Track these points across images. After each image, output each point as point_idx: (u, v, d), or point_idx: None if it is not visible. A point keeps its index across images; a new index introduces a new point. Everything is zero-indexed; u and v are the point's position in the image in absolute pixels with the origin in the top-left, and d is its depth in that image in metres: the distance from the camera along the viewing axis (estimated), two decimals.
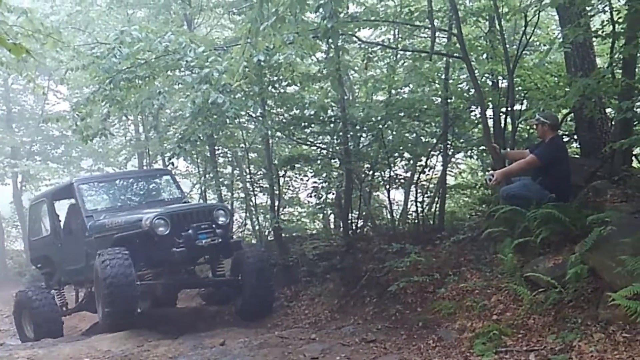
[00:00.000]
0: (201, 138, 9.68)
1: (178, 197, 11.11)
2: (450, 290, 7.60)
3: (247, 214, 13.49)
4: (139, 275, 9.46)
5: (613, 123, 8.47)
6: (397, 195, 11.29)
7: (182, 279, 10.24)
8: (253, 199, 12.96)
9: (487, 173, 7.96)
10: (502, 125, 9.11)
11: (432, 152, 10.18)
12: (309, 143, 11.52)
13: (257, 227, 13.03)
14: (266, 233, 12.61)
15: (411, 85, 9.86)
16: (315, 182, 11.93)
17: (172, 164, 10.86)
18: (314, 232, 13.15)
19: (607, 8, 7.76)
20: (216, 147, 12.59)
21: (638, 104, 6.79)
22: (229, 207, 10.78)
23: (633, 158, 8.62)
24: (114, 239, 9.61)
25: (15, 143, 19.54)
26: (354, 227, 10.62)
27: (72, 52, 11.29)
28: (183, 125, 9.67)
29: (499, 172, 7.52)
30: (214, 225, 9.51)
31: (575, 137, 9.34)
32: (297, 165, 11.50)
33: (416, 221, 9.98)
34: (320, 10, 6.23)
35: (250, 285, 9.65)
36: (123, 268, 8.75)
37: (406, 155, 10.47)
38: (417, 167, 10.48)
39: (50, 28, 8.48)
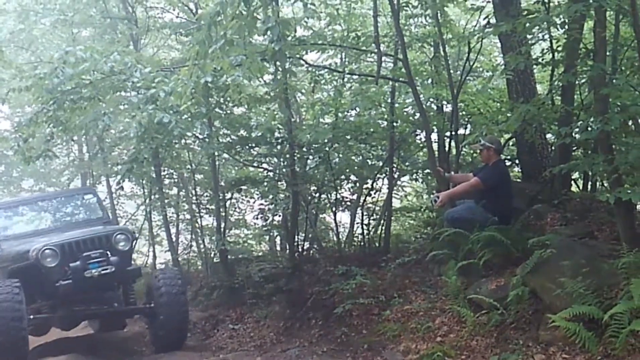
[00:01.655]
0: (147, 159, 9.52)
1: (99, 218, 10.51)
2: (396, 312, 7.64)
3: (193, 236, 13.36)
4: (33, 308, 8.90)
5: (553, 148, 8.71)
6: (344, 217, 11.35)
7: (82, 310, 9.40)
8: (199, 220, 12.84)
9: (432, 195, 8.09)
10: (447, 149, 9.29)
11: (378, 175, 10.27)
12: (255, 165, 11.50)
13: (202, 249, 12.91)
14: (212, 255, 12.50)
15: (358, 109, 9.92)
16: (261, 204, 11.91)
17: (122, 188, 10.56)
18: (260, 254, 13.08)
19: (547, 37, 7.99)
20: (162, 168, 12.43)
21: (576, 130, 6.98)
22: (132, 231, 10.07)
23: (572, 182, 8.87)
24: (8, 270, 9.11)
25: None
26: (300, 249, 10.60)
27: (15, 70, 11.04)
28: (129, 145, 9.49)
29: (443, 194, 7.64)
30: (108, 253, 8.85)
31: (517, 161, 9.57)
32: (243, 187, 11.45)
33: (362, 243, 10.05)
34: (268, 33, 6.28)
35: (162, 312, 9.02)
36: (10, 312, 8.02)
37: (352, 177, 10.55)
38: (363, 190, 10.56)
39: None
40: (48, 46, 14.50)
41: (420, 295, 7.79)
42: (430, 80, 9.74)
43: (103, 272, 8.60)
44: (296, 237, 10.50)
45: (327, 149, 9.91)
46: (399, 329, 7.31)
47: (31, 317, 8.45)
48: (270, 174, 11.20)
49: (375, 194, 10.46)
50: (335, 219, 10.73)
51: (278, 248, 13.38)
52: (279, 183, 11.08)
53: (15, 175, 19.68)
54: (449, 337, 6.75)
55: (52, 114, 8.66)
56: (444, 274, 7.53)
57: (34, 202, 11.24)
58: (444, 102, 9.72)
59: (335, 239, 10.93)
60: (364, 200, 10.41)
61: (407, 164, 10.57)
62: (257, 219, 12.78)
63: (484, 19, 8.52)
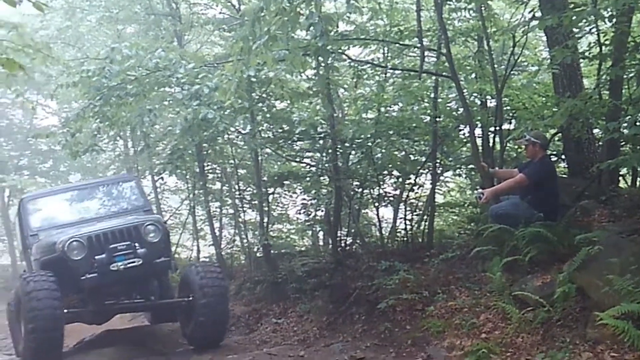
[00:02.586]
0: (191, 154, 9.58)
1: (140, 207, 10.28)
2: (439, 308, 7.60)
3: (236, 230, 13.47)
4: (65, 301, 8.60)
5: (600, 143, 8.55)
6: (386, 213, 11.31)
7: (113, 304, 9.12)
8: (242, 215, 12.93)
9: (476, 191, 8.00)
10: (491, 144, 9.17)
11: (420, 170, 10.21)
12: (297, 160, 11.54)
13: (245, 244, 13.01)
14: (255, 249, 12.60)
15: (400, 104, 9.88)
16: (304, 199, 11.95)
17: (162, 179, 10.54)
18: (303, 249, 13.13)
19: (594, 30, 7.84)
20: (205, 163, 12.56)
21: (624, 125, 6.84)
22: (163, 221, 9.79)
23: (620, 178, 8.70)
24: (40, 262, 9.06)
25: (3, 157, 19.47)
26: (342, 245, 10.62)
27: (62, 67, 11.24)
28: (173, 140, 9.59)
29: (488, 191, 7.57)
30: (136, 245, 8.64)
31: (563, 156, 9.41)
32: (286, 182, 11.50)
33: (405, 239, 9.99)
34: (311, 28, 6.29)
35: (203, 307, 8.72)
36: (49, 301, 7.98)
37: (395, 173, 10.50)
38: (406, 185, 10.51)
39: (40, 43, 8.50)
40: (94, 42, 14.76)
41: (465, 292, 7.73)
42: (473, 75, 9.63)
43: (129, 265, 8.45)
44: (339, 232, 10.53)
45: (369, 144, 9.89)
46: (442, 325, 7.27)
47: (65, 310, 8.34)
48: (313, 169, 11.23)
49: (418, 189, 10.39)
50: (377, 214, 10.71)
51: (321, 243, 13.42)
52: (322, 178, 11.10)
53: (63, 170, 20.17)
54: (493, 333, 6.69)
55: (98, 109, 8.81)
56: (489, 270, 7.45)
57: (74, 190, 11.10)
58: (488, 97, 9.60)
59: (377, 234, 10.89)
60: (407, 196, 10.35)
61: (450, 159, 10.47)
62: (299, 213, 12.83)
63: (529, 12, 8.39)
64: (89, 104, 8.88)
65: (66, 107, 18.35)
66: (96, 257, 8.46)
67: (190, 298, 8.95)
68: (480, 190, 7.75)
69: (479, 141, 9.10)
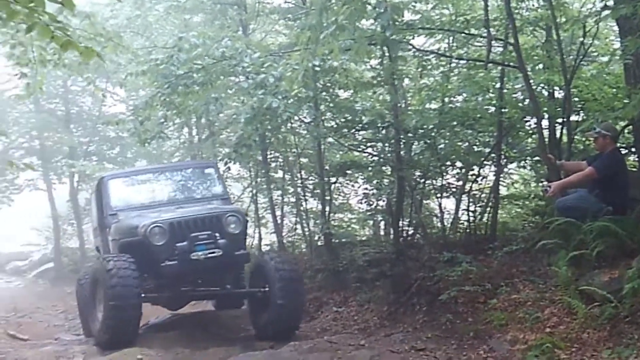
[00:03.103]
0: (255, 142, 9.66)
1: (218, 195, 10.19)
2: (502, 301, 7.53)
3: (298, 219, 13.55)
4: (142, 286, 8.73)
5: None
6: (448, 204, 11.21)
7: (190, 291, 9.31)
8: (304, 203, 13.00)
9: (543, 184, 7.88)
10: (558, 136, 9.00)
11: (484, 162, 10.08)
12: (360, 149, 11.54)
13: (307, 232, 13.09)
14: (316, 238, 12.66)
15: (465, 94, 9.78)
16: (365, 189, 11.95)
17: (229, 168, 10.58)
18: (364, 238, 13.13)
19: None
20: (268, 152, 12.68)
21: None
22: (244, 213, 9.77)
23: None
24: (119, 244, 9.12)
25: (73, 143, 19.98)
26: (404, 235, 10.59)
27: (131, 55, 11.48)
28: (237, 129, 9.70)
29: (555, 184, 7.44)
30: (217, 235, 8.60)
31: (634, 149, 9.17)
32: (348, 172, 11.51)
33: (468, 231, 9.88)
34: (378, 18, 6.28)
35: (279, 299, 8.60)
36: (131, 280, 8.09)
37: (458, 164, 10.39)
38: (470, 176, 10.40)
39: (111, 32, 8.71)
40: (162, 32, 14.98)
41: (529, 285, 7.63)
42: (541, 65, 9.45)
43: (210, 255, 8.43)
44: (401, 222, 10.49)
45: (433, 134, 9.82)
46: (506, 318, 7.20)
47: (142, 295, 8.38)
48: (375, 158, 11.21)
49: (481, 180, 10.27)
50: (440, 205, 10.63)
51: (382, 233, 13.40)
52: (384, 168, 11.09)
53: (130, 156, 20.61)
54: (558, 328, 6.60)
55: (166, 97, 8.95)
56: (554, 264, 7.33)
57: (154, 172, 11.07)
58: (556, 88, 9.41)
59: (439, 225, 10.82)
60: (470, 187, 10.25)
61: (515, 150, 10.32)
62: (361, 203, 12.85)
63: (601, 1, 8.19)
64: (157, 92, 9.05)
65: (134, 95, 18.75)
66: (177, 245, 8.47)
67: (267, 288, 8.86)
68: (547, 183, 7.63)
69: (545, 133, 8.93)
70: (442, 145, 10.23)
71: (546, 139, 8.85)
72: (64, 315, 15.98)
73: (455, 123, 9.70)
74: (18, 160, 19.25)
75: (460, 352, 7.22)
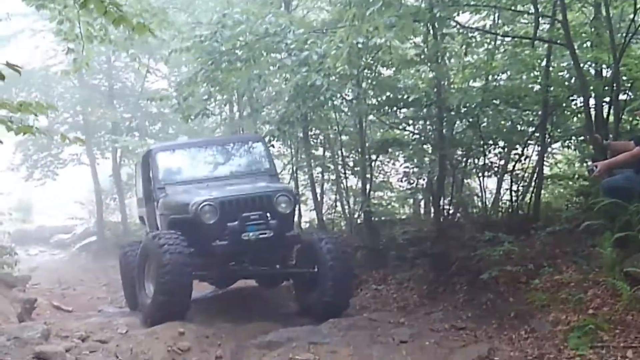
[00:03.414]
0: (298, 119, 9.65)
1: (266, 170, 10.04)
2: (545, 281, 7.47)
3: (337, 197, 13.56)
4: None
5: None
6: (490, 183, 11.12)
7: (239, 270, 9.22)
8: (344, 181, 12.99)
9: (589, 164, 7.74)
10: (605, 115, 8.82)
11: (528, 141, 9.95)
12: (402, 127, 11.47)
13: (346, 210, 13.10)
14: (356, 216, 12.66)
15: (510, 72, 9.64)
16: (406, 167, 11.90)
17: (272, 145, 10.50)
18: (404, 217, 13.08)
19: None
20: (309, 129, 12.65)
21: None
22: (295, 192, 9.64)
23: None
24: (168, 220, 9.10)
25: (116, 119, 20.21)
26: (445, 214, 10.54)
27: (175, 31, 11.52)
28: (280, 106, 9.69)
29: (602, 164, 7.30)
30: (268, 215, 8.53)
31: None
32: (390, 150, 11.45)
33: (510, 210, 9.76)
34: None
35: (329, 279, 8.59)
36: (183, 256, 8.06)
37: (501, 143, 10.28)
38: (512, 156, 10.28)
39: (156, 8, 8.77)
40: (205, 8, 15.01)
41: (572, 266, 7.56)
42: (589, 43, 9.26)
43: (261, 236, 8.36)
44: (441, 201, 10.44)
45: (476, 112, 9.71)
46: (548, 299, 7.15)
47: (192, 273, 8.33)
48: (417, 136, 11.15)
49: (524, 160, 10.14)
50: (482, 185, 10.55)
51: (421, 212, 13.34)
52: (425, 146, 11.02)
53: (171, 132, 20.78)
54: (602, 310, 6.54)
55: (209, 74, 8.97)
56: (598, 245, 7.23)
57: (202, 146, 10.78)
58: (604, 66, 9.21)
59: (480, 204, 10.74)
60: (513, 167, 10.13)
61: (559, 130, 10.16)
62: (401, 181, 12.80)
63: None
64: (201, 68, 9.08)
65: (176, 72, 18.90)
66: (228, 224, 8.40)
67: (315, 269, 8.85)
68: (593, 163, 7.50)
69: (592, 112, 8.77)
70: (485, 124, 10.12)
71: (593, 119, 8.70)
72: (107, 288, 16.30)
73: (499, 101, 9.59)
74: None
75: (500, 332, 7.22)
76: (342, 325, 8.01)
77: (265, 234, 8.37)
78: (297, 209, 9.41)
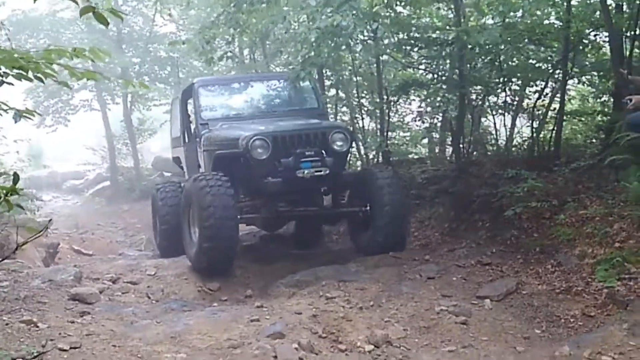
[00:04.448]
0: (325, 59, 9.37)
1: (314, 109, 9.59)
2: (569, 216, 7.57)
3: None
4: (239, 207, 8.24)
5: None
6: (508, 121, 11.12)
7: (289, 211, 8.70)
8: (360, 122, 12.98)
9: (624, 99, 7.72)
10: (629, 50, 8.77)
11: (549, 77, 9.91)
12: (419, 67, 11.40)
13: (362, 151, 13.12)
14: (372, 157, 12.69)
15: (530, 8, 9.53)
16: (420, 107, 11.90)
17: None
18: (422, 156, 13.12)
19: None
20: (324, 70, 12.55)
21: None
22: (350, 129, 9.20)
23: None
24: (215, 156, 8.57)
25: (125, 64, 20.12)
26: (464, 152, 10.57)
27: None
28: (302, 48, 9.56)
29: (637, 98, 7.31)
30: (323, 152, 8.04)
31: None
32: (409, 90, 11.39)
33: (534, 148, 9.74)
34: None
35: (384, 218, 8.16)
36: (227, 198, 7.60)
37: (522, 80, 10.24)
38: (533, 93, 10.26)
39: None
40: None
41: (596, 201, 7.64)
42: None
43: (316, 173, 7.88)
44: (461, 140, 10.46)
45: (495, 50, 9.63)
46: (573, 234, 7.26)
47: (239, 216, 7.95)
48: (435, 76, 11.09)
49: (545, 96, 10.11)
50: (502, 123, 10.56)
51: (437, 151, 13.38)
52: (443, 86, 10.98)
53: (182, 76, 20.57)
54: (628, 243, 6.65)
55: (232, 16, 8.84)
56: (623, 179, 7.32)
57: (248, 81, 10.35)
58: (625, 1, 9.11)
59: (501, 142, 10.76)
60: (534, 104, 10.12)
61: (578, 66, 10.10)
62: (416, 121, 12.81)
63: None
64: (223, 10, 8.96)
65: (184, 16, 18.70)
66: (282, 161, 7.97)
67: (368, 207, 8.46)
68: (628, 97, 7.50)
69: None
70: (505, 61, 10.05)
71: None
72: (124, 232, 16.56)
73: (519, 38, 9.49)
74: (72, 82, 19.55)
75: (527, 267, 7.34)
76: (369, 264, 8.15)
77: (320, 171, 7.91)
78: (351, 147, 8.87)
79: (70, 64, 3.30)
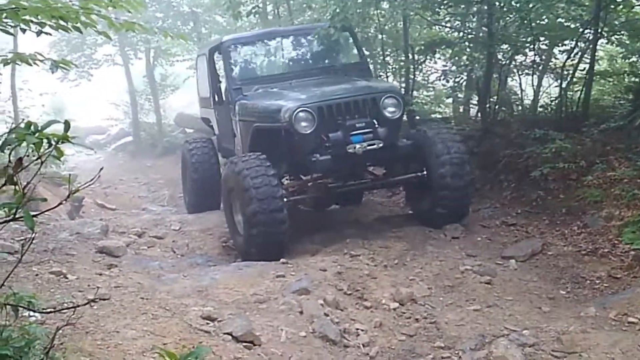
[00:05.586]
0: (354, 15, 9.07)
1: (357, 64, 8.83)
2: (597, 178, 7.53)
3: None
4: (284, 188, 7.47)
5: None
6: (535, 81, 10.97)
7: (339, 187, 7.82)
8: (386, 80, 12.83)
9: None
10: None
11: (579, 37, 9.72)
12: (447, 25, 11.21)
13: None
14: None
15: None
16: (445, 66, 11.74)
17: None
18: (446, 116, 12.99)
19: None
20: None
21: None
22: (402, 93, 8.07)
23: None
24: (252, 129, 7.78)
25: (148, 18, 19.98)
26: (490, 112, 10.46)
27: None
28: (330, 3, 9.38)
29: None
30: (375, 122, 7.13)
31: None
32: (437, 49, 11.22)
33: (564, 108, 9.60)
34: None
35: (442, 185, 7.38)
36: (268, 179, 6.86)
37: (550, 39, 10.06)
38: (561, 52, 10.09)
39: None
40: None
41: (624, 162, 7.57)
42: None
43: (369, 147, 6.99)
44: (488, 99, 10.34)
45: (524, 8, 9.44)
46: (600, 195, 7.23)
47: (285, 199, 7.12)
48: (462, 34, 10.93)
49: (575, 56, 9.94)
50: (531, 82, 10.41)
51: (461, 110, 13.24)
52: (470, 44, 10.82)
53: (204, 32, 20.48)
54: None
55: None
56: None
57: (281, 36, 9.39)
58: None
59: (527, 103, 10.63)
60: (564, 63, 9.94)
61: (609, 25, 9.88)
62: (440, 80, 12.65)
63: None
64: None
65: None
66: (330, 136, 7.06)
67: (424, 172, 7.64)
68: None
69: None
70: (533, 19, 9.85)
71: None
72: (147, 187, 16.67)
73: None
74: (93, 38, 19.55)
75: (552, 228, 7.34)
76: (393, 222, 8.17)
77: (374, 144, 7.02)
78: (404, 113, 7.78)
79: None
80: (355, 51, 9.18)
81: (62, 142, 2.21)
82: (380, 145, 7.03)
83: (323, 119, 7.13)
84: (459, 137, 8.02)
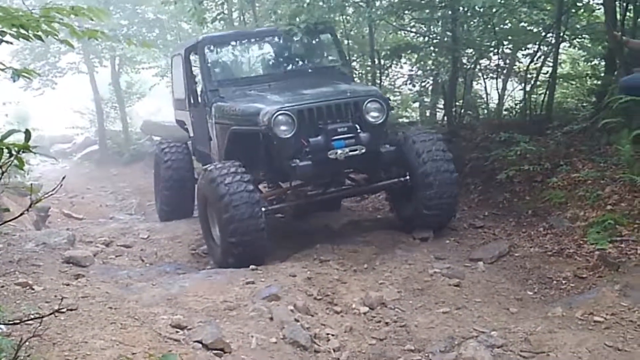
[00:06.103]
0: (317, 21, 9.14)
1: (337, 67, 8.58)
2: (561, 179, 7.62)
3: None
4: (263, 197, 7.28)
5: None
6: (499, 85, 11.09)
7: (319, 195, 7.66)
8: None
9: (625, 37, 7.72)
10: (623, 13, 8.73)
11: (542, 41, 9.86)
12: (412, 30, 11.30)
13: None
14: None
15: None
16: (412, 70, 11.82)
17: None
18: (413, 120, 13.07)
19: None
20: None
21: None
22: (385, 96, 7.73)
23: None
24: (229, 133, 7.51)
25: (113, 26, 19.84)
26: (456, 116, 10.56)
27: None
28: (295, 9, 9.39)
29: (633, 41, 7.42)
30: (358, 127, 6.90)
31: None
32: (402, 54, 11.30)
33: (527, 111, 9.71)
34: None
35: (426, 188, 7.21)
36: (243, 184, 6.64)
37: (514, 43, 10.20)
38: (525, 56, 10.24)
39: None
40: None
41: (588, 164, 7.69)
42: None
43: (351, 153, 6.77)
44: (453, 103, 10.44)
45: (488, 13, 9.56)
46: (565, 196, 7.33)
47: (263, 209, 6.84)
48: (427, 39, 11.02)
49: (537, 60, 10.08)
50: (495, 86, 10.53)
51: (427, 114, 13.34)
52: (435, 49, 10.91)
53: (170, 39, 20.41)
54: (620, 205, 6.72)
55: None
56: (616, 142, 7.36)
57: (260, 37, 9.14)
58: None
59: (492, 107, 10.75)
60: (527, 67, 10.08)
61: (571, 29, 10.04)
62: (406, 84, 12.73)
63: None
64: None
65: None
66: (310, 140, 6.81)
67: (407, 177, 7.48)
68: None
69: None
70: (496, 24, 9.98)
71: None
72: (114, 195, 16.51)
73: (513, 1, 9.41)
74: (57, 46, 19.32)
75: (519, 229, 7.42)
76: (362, 227, 8.20)
77: (356, 150, 6.80)
78: (388, 117, 7.44)
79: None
80: (337, 53, 8.98)
81: (23, 152, 2.18)
82: (363, 151, 6.82)
83: (303, 123, 6.90)
84: (440, 135, 7.94)
